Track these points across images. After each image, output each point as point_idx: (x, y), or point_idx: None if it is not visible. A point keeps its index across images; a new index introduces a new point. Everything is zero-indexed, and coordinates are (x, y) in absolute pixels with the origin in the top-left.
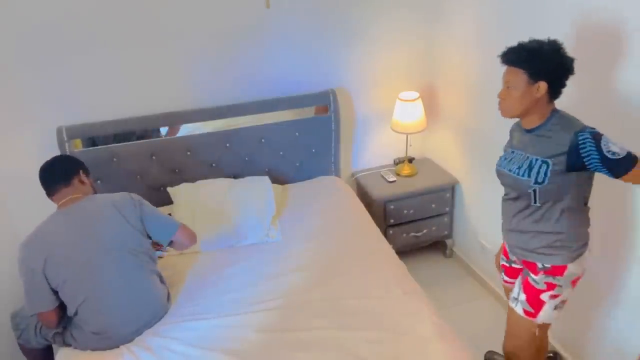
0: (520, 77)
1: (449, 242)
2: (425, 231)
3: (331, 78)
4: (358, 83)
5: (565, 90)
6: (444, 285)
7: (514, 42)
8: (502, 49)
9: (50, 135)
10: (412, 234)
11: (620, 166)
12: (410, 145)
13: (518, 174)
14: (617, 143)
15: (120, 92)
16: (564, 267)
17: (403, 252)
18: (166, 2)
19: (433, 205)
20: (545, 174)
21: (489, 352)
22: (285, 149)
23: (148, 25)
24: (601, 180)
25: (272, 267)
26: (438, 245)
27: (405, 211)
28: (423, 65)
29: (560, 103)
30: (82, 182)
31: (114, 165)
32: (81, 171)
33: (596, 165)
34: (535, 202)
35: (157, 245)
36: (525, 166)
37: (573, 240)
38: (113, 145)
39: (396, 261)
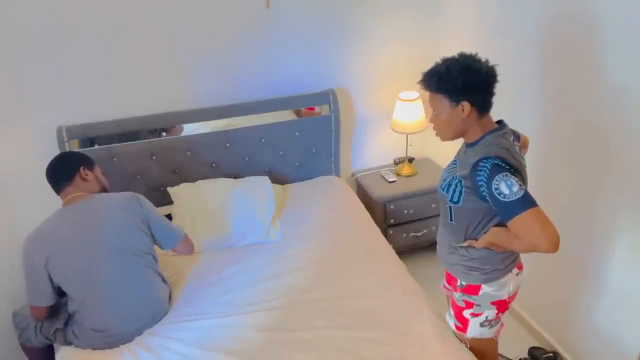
0: (441, 101)
1: None
2: (425, 231)
3: (331, 78)
4: (358, 83)
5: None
6: None
7: (513, 42)
8: (502, 48)
9: (50, 135)
10: (412, 234)
11: (505, 210)
12: (411, 145)
13: (442, 186)
14: (516, 184)
15: (121, 92)
16: (478, 287)
17: (403, 252)
18: (166, 2)
19: (433, 205)
20: (460, 193)
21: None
22: (285, 149)
23: (148, 25)
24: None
25: (272, 267)
26: None
27: (405, 211)
28: (423, 65)
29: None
30: (84, 179)
31: (114, 165)
32: (82, 167)
33: (489, 200)
34: (451, 220)
35: None
36: (448, 180)
37: (485, 264)
38: (113, 145)
39: (396, 261)
